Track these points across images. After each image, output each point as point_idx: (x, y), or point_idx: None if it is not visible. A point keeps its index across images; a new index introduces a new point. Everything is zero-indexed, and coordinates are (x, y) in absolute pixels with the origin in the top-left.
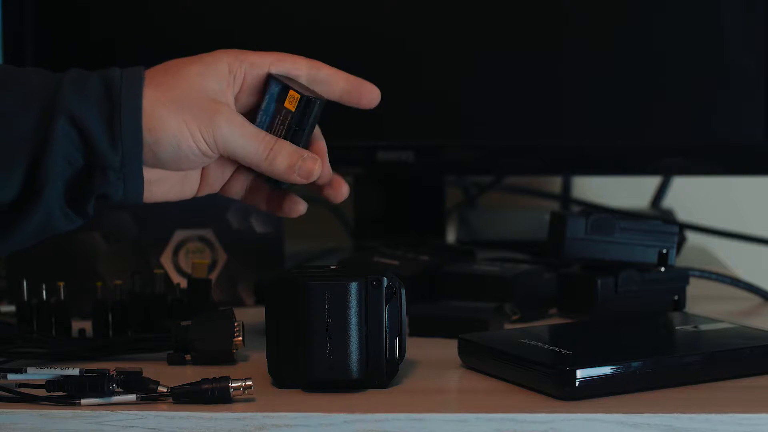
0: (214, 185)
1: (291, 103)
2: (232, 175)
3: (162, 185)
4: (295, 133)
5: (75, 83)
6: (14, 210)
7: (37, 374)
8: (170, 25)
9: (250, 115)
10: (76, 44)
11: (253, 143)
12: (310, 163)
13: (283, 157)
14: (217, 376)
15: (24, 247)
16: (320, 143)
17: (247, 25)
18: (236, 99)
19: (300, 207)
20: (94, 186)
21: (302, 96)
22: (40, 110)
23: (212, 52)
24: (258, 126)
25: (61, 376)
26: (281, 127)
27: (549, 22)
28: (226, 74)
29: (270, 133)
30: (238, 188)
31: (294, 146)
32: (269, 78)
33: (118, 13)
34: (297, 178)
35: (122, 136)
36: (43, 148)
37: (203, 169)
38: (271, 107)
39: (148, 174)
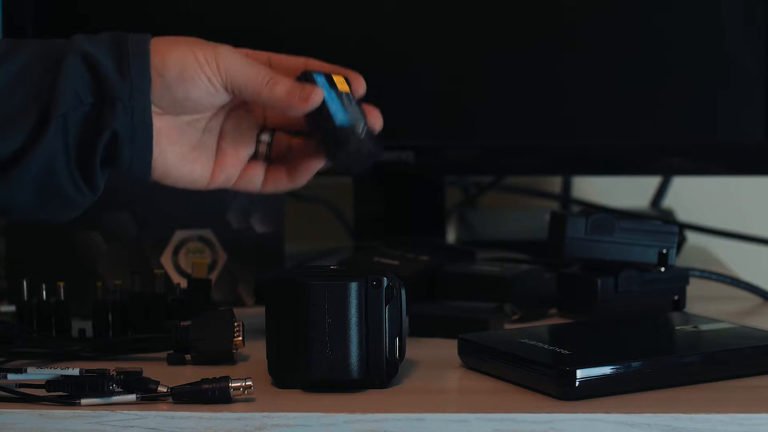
0: (230, 171)
1: (343, 85)
2: (248, 165)
3: (175, 149)
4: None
5: (85, 36)
6: (22, 150)
7: (37, 374)
8: (170, 26)
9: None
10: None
11: (253, 70)
12: (309, 88)
13: (283, 84)
14: (217, 376)
15: (27, 207)
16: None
17: (247, 26)
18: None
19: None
20: (103, 129)
21: (344, 76)
22: (52, 57)
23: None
24: (335, 113)
25: (61, 376)
26: (352, 105)
27: (549, 22)
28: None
29: (348, 114)
30: (255, 177)
31: (295, 81)
32: (308, 74)
33: (118, 14)
34: (297, 102)
35: (131, 69)
36: (54, 83)
37: (218, 151)
38: (333, 95)
39: (162, 126)
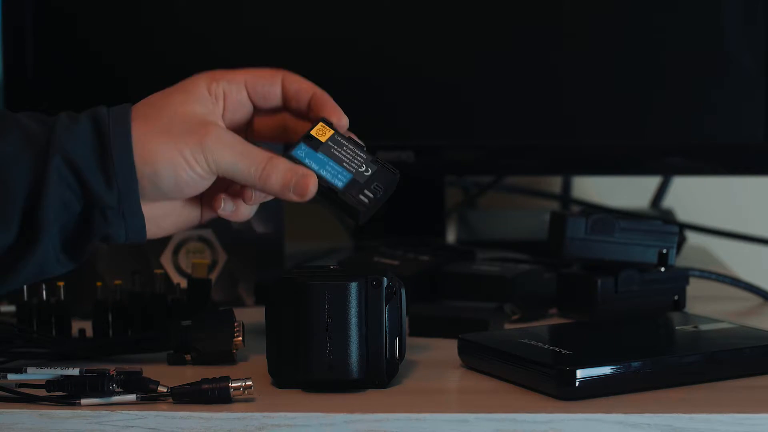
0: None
1: (324, 133)
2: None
3: (168, 219)
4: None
5: (65, 125)
6: (11, 256)
7: (37, 374)
8: (163, 26)
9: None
10: (76, 43)
11: (245, 162)
12: (304, 181)
13: (277, 175)
14: (217, 376)
15: (16, 288)
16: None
17: (241, 35)
18: (222, 117)
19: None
20: (93, 230)
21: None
22: (36, 153)
23: (189, 78)
24: (332, 181)
25: (61, 376)
26: (343, 149)
27: (549, 22)
28: (207, 96)
29: (345, 170)
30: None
31: (289, 163)
32: (290, 156)
33: (114, 17)
34: (292, 196)
35: (117, 176)
36: (39, 192)
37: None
38: (322, 160)
39: (154, 210)
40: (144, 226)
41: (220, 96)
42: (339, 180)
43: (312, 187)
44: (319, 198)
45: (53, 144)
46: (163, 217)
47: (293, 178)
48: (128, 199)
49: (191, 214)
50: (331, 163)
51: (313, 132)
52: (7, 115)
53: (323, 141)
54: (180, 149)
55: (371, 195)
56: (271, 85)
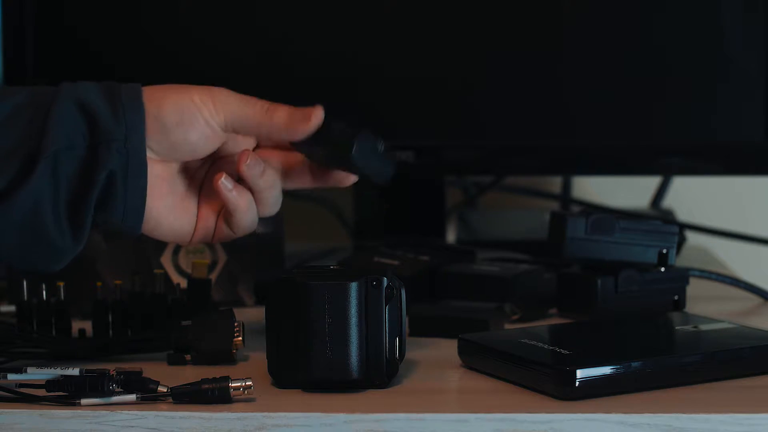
0: (209, 225)
1: None
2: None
3: (164, 201)
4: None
5: (74, 83)
6: (9, 185)
7: (37, 374)
8: (163, 26)
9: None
10: (76, 42)
11: (249, 103)
12: (308, 109)
13: (281, 110)
14: (217, 376)
15: (11, 250)
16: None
17: (243, 35)
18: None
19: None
20: (98, 170)
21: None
22: (43, 104)
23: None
24: (336, 124)
25: (61, 376)
26: None
27: (549, 22)
28: (209, 101)
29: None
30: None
31: (289, 105)
32: None
33: (114, 18)
34: (300, 123)
35: (125, 112)
36: (42, 126)
37: (199, 206)
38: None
39: (152, 169)
40: (145, 186)
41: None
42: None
43: (318, 113)
44: (313, 142)
45: (62, 91)
46: (160, 196)
47: (298, 112)
48: (135, 134)
49: (184, 224)
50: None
51: None
52: (13, 87)
53: None
54: (189, 94)
55: (368, 142)
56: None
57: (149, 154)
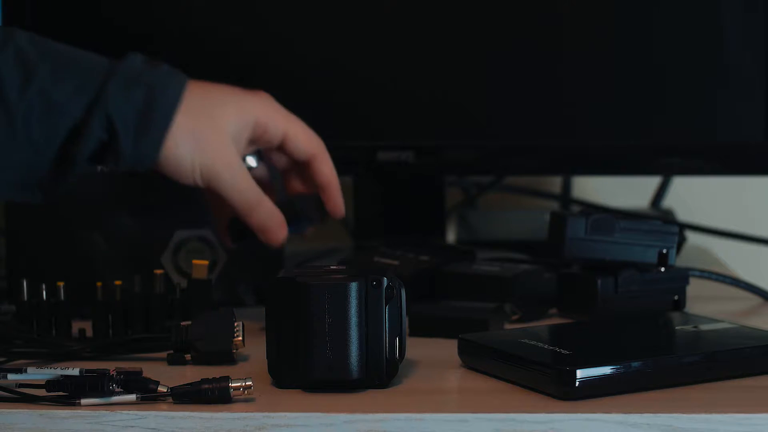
0: None
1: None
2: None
3: None
4: None
5: (122, 86)
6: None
7: (37, 374)
8: (164, 28)
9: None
10: (76, 44)
11: (238, 196)
12: (275, 232)
13: (258, 216)
14: (217, 376)
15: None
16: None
17: (245, 32)
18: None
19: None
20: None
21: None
22: (86, 106)
23: (253, 95)
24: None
25: (61, 376)
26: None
27: (549, 22)
28: (251, 125)
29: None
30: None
31: (274, 210)
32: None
33: (114, 19)
34: (261, 235)
35: (142, 147)
36: (75, 142)
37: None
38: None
39: None
40: (159, 148)
41: (260, 131)
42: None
43: (280, 238)
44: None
45: (102, 101)
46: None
47: (269, 223)
48: (143, 164)
49: None
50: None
51: None
52: (68, 53)
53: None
54: (193, 157)
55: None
56: (300, 155)
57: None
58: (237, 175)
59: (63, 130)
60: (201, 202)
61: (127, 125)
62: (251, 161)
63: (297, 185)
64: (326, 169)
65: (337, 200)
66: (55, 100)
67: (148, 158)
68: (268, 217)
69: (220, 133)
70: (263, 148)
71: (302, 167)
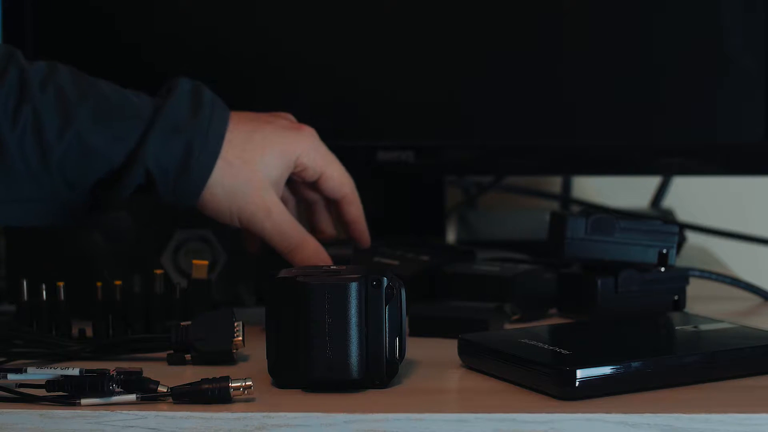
0: None
1: None
2: None
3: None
4: None
5: (163, 138)
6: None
7: (37, 374)
8: (165, 29)
9: None
10: (76, 44)
11: (279, 239)
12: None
13: (302, 256)
14: (217, 376)
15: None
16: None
17: (247, 33)
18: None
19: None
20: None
21: None
22: (125, 155)
23: (297, 132)
24: None
25: (61, 376)
26: None
27: (549, 22)
28: (293, 163)
29: None
30: None
31: (317, 248)
32: None
33: (115, 19)
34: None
35: (180, 195)
36: (113, 184)
37: None
38: None
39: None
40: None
41: (300, 168)
42: None
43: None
44: None
45: (142, 156)
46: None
47: (311, 259)
48: (187, 200)
49: None
50: None
51: None
52: (114, 95)
53: None
54: (232, 210)
55: None
56: (335, 194)
57: None
58: (277, 220)
59: (99, 174)
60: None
61: (167, 176)
62: None
63: (320, 217)
64: (354, 210)
65: (363, 235)
66: (94, 147)
67: (186, 203)
68: (313, 256)
69: (259, 180)
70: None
71: (330, 202)
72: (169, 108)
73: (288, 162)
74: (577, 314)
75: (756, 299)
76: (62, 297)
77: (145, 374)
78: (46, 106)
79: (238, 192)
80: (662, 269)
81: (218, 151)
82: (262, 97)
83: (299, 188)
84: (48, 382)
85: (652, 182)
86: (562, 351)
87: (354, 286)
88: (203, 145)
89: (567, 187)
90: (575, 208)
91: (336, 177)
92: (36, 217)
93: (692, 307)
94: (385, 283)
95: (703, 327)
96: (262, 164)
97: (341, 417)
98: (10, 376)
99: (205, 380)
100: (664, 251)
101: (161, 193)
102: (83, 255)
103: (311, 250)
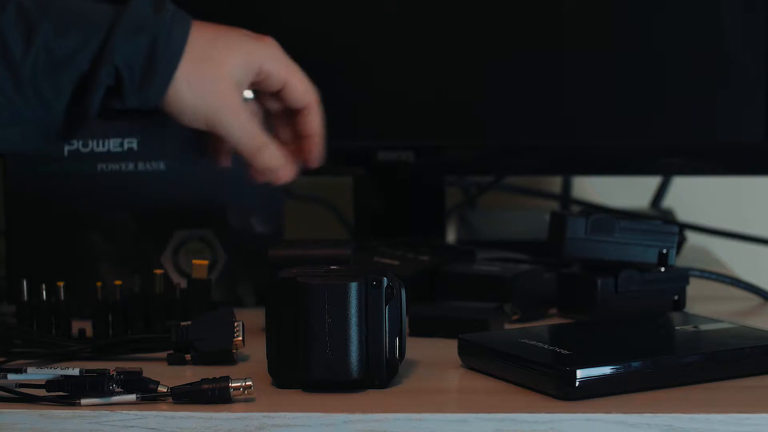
0: None
1: None
2: None
3: None
4: None
5: (127, 35)
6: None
7: (37, 374)
8: None
9: None
10: None
11: (245, 140)
12: (283, 170)
13: (264, 158)
14: (217, 376)
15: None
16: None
17: (250, 22)
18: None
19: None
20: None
21: None
22: (91, 58)
23: (259, 41)
24: None
25: (61, 376)
26: None
27: (549, 23)
28: (255, 71)
29: None
30: None
31: (280, 151)
32: None
33: None
34: (268, 176)
35: (146, 93)
36: (85, 93)
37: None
38: None
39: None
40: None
41: (263, 76)
42: None
43: (289, 178)
44: None
45: (108, 55)
46: None
47: (274, 164)
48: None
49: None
50: None
51: None
52: (70, 7)
53: None
54: (198, 108)
55: None
56: (298, 102)
57: None
58: (242, 120)
59: (70, 83)
60: (201, 201)
61: (133, 73)
62: (248, 93)
63: (282, 130)
64: (316, 119)
65: (318, 150)
66: (60, 55)
67: (151, 102)
68: (275, 157)
69: (224, 79)
70: (259, 90)
71: (291, 114)
72: (132, 7)
73: (251, 67)
74: (577, 314)
75: (756, 299)
76: (62, 297)
77: (145, 374)
78: (8, 26)
79: (204, 88)
80: (662, 269)
81: (183, 47)
82: None
83: (261, 99)
84: (48, 382)
85: (652, 182)
86: (562, 351)
87: (354, 286)
88: (167, 41)
89: (567, 187)
90: (575, 208)
91: (299, 85)
92: (17, 143)
93: (692, 307)
94: (385, 283)
95: (703, 327)
96: (228, 65)
97: (341, 417)
98: (10, 376)
99: (205, 380)
100: (664, 251)
101: (127, 95)
102: (83, 255)
103: (274, 153)
